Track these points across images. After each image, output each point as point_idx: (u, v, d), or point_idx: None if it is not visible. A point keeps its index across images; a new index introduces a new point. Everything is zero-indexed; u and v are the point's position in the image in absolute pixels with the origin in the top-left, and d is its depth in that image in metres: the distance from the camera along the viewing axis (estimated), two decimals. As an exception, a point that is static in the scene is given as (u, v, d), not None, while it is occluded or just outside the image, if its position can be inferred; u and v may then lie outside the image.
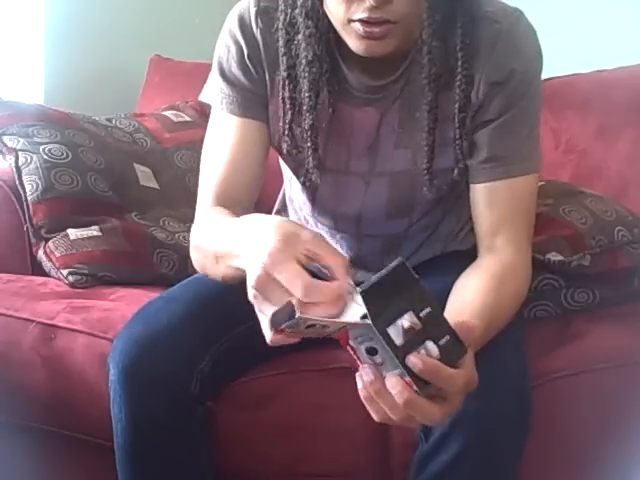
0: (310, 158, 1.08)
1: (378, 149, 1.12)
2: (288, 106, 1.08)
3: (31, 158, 1.53)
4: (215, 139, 1.14)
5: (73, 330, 1.23)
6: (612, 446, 1.04)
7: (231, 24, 1.12)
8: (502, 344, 0.96)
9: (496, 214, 1.06)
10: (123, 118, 1.79)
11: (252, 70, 1.11)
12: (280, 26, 1.06)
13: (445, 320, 0.73)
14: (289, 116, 1.08)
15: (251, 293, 0.76)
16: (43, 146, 1.55)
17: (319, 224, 1.23)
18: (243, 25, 1.10)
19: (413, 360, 0.70)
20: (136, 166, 1.67)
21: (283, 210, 1.33)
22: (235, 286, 0.85)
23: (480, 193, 1.08)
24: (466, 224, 1.21)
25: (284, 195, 1.33)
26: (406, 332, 0.69)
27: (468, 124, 1.07)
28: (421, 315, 0.71)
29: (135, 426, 1.03)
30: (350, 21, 0.97)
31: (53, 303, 1.30)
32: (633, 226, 1.28)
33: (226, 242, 0.90)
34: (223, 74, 1.12)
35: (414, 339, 0.70)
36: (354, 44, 0.99)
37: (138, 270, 1.48)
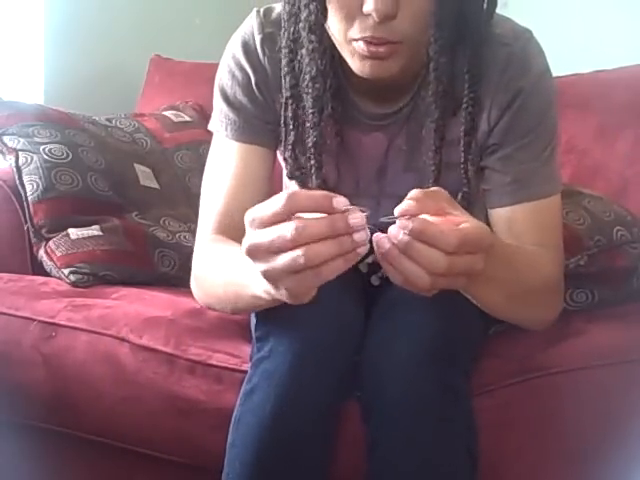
0: (314, 177, 1.06)
1: (387, 172, 1.11)
2: (291, 126, 1.05)
3: (31, 158, 1.54)
4: (218, 167, 1.12)
5: (74, 328, 1.23)
6: (609, 444, 1.05)
7: (234, 50, 1.10)
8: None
9: (524, 240, 1.04)
10: (123, 118, 1.79)
11: (259, 97, 1.09)
12: (283, 44, 1.03)
13: None
14: (292, 136, 1.06)
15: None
16: (43, 146, 1.55)
17: None
18: (248, 52, 1.08)
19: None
20: (136, 166, 1.67)
21: None
22: None
23: (503, 219, 1.06)
24: None
25: None
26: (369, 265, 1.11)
27: (475, 148, 1.05)
28: None
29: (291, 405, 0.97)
30: (352, 40, 0.94)
31: (54, 302, 1.30)
32: (632, 226, 1.28)
33: (235, 272, 0.92)
34: (227, 100, 1.10)
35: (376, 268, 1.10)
36: (357, 65, 0.96)
37: (139, 269, 1.48)
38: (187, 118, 1.88)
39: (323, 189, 1.09)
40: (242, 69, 1.09)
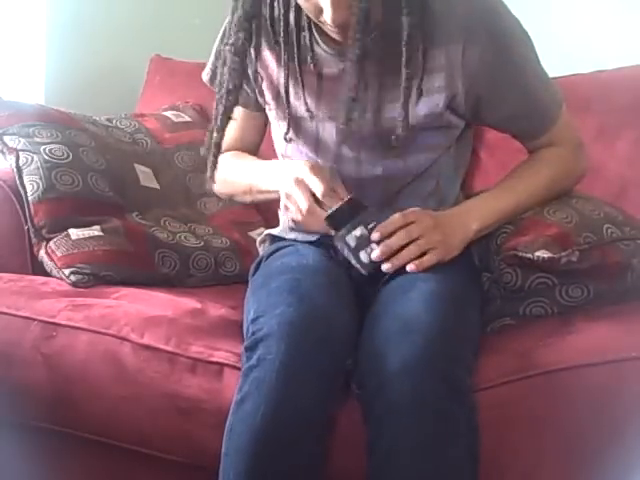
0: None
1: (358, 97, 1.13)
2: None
3: (32, 158, 1.53)
4: None
5: (75, 328, 1.23)
6: (608, 441, 1.04)
7: None
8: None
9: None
10: (123, 118, 1.79)
11: None
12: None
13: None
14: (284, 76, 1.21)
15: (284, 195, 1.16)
16: (44, 146, 1.55)
17: None
18: None
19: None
20: (137, 166, 1.67)
21: None
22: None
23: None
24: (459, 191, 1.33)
25: None
26: (357, 238, 1.13)
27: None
28: (369, 227, 1.13)
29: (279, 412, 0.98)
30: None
31: (54, 302, 1.30)
32: (624, 225, 1.27)
33: (258, 177, 1.28)
34: None
35: (364, 242, 1.13)
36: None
37: (139, 270, 1.48)
38: (187, 118, 1.88)
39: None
40: None
